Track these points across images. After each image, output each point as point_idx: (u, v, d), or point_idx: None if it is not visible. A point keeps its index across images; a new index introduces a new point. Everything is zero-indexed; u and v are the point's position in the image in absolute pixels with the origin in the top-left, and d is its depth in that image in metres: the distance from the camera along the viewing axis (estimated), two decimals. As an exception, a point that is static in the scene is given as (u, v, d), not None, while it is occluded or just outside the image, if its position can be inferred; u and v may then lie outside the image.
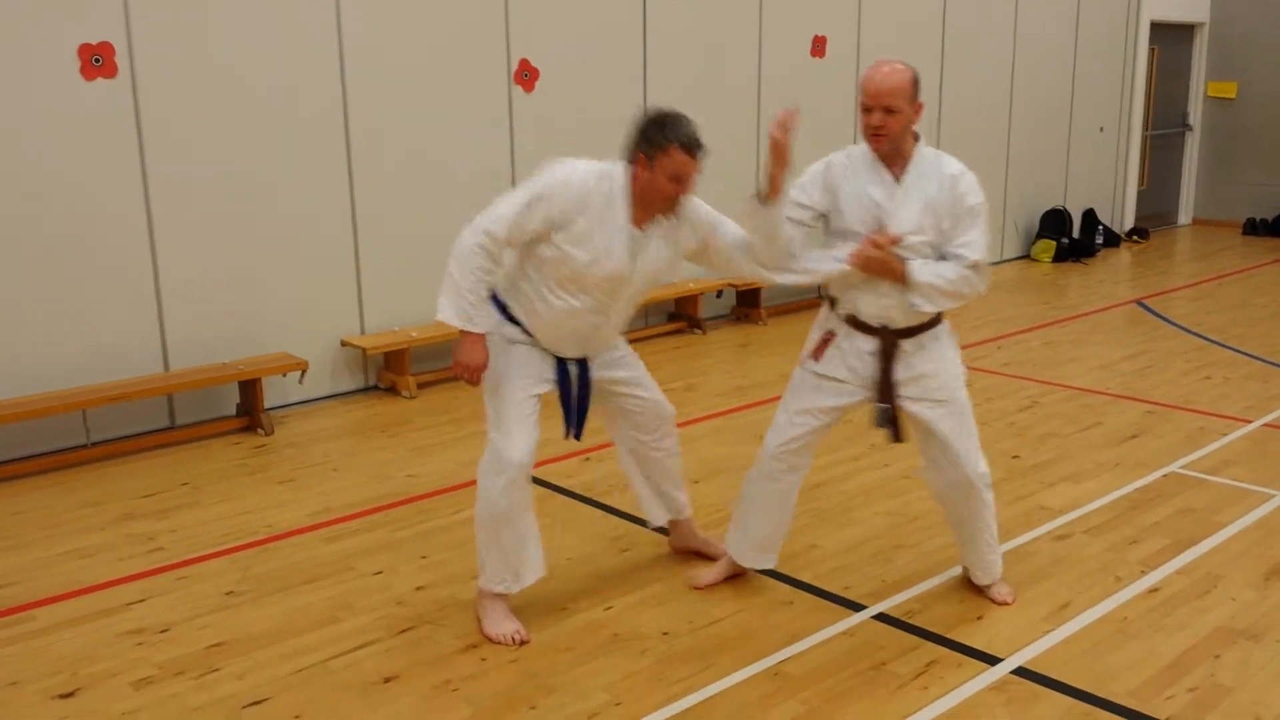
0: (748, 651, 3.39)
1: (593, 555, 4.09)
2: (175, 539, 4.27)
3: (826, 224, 3.46)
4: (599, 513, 4.48)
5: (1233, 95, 12.02)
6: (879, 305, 3.39)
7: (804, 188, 3.43)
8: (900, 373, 3.43)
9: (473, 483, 4.75)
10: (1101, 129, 11.23)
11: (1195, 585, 3.83)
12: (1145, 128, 11.80)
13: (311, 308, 5.98)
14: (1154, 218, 12.18)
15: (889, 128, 3.27)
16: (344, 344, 6.11)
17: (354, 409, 5.95)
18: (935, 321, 3.46)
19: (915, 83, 3.29)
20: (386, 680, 3.25)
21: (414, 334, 6.17)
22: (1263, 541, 4.17)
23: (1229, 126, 12.12)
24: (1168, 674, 3.26)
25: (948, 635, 3.48)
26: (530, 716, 3.06)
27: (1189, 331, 7.57)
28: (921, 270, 3.30)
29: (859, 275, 3.35)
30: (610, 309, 3.40)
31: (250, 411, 5.57)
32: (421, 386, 6.25)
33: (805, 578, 3.88)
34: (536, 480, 4.81)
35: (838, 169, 3.40)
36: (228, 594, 3.80)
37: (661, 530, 4.19)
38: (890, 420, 3.49)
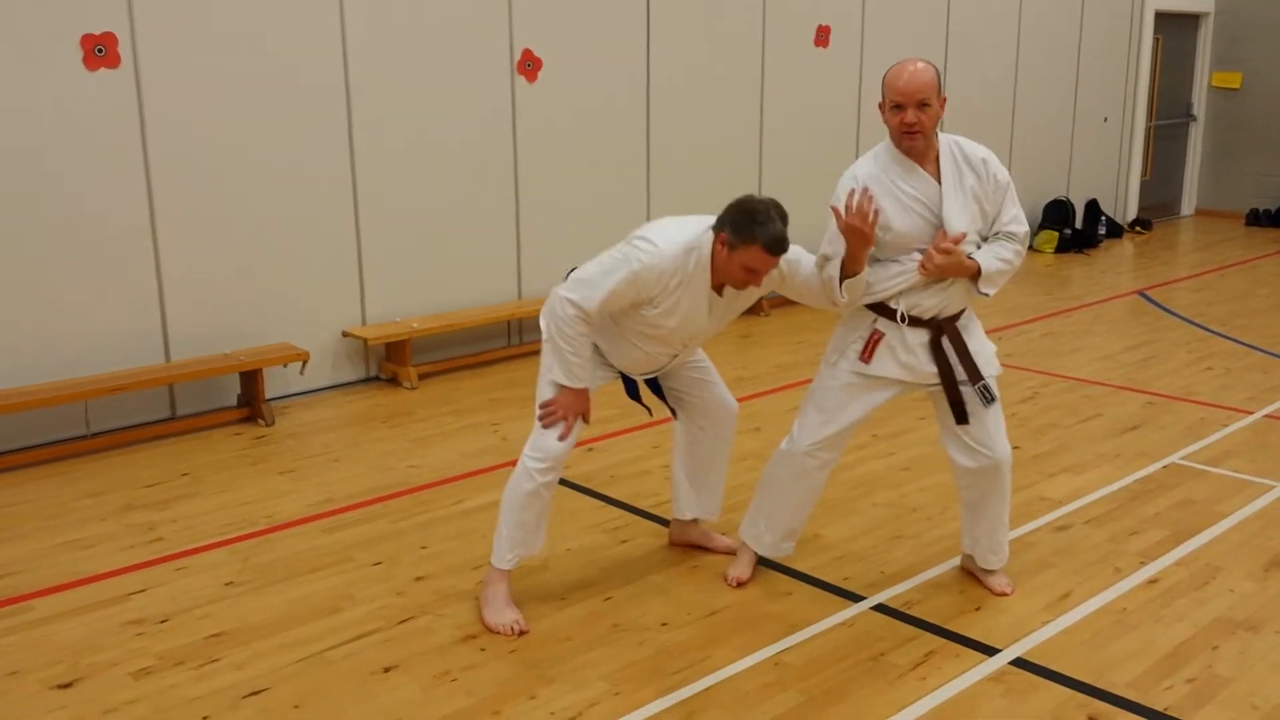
0: (747, 641, 3.40)
1: (592, 546, 4.09)
2: (176, 529, 4.28)
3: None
4: (598, 503, 4.48)
5: (1237, 85, 11.98)
6: (939, 299, 3.41)
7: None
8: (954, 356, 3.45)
9: (474, 473, 4.81)
10: (1105, 119, 11.21)
11: (1195, 576, 3.83)
12: (1149, 118, 11.77)
13: (313, 298, 5.98)
14: (1157, 208, 12.16)
15: (924, 124, 3.29)
16: (345, 335, 6.11)
17: (355, 400, 5.95)
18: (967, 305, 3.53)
19: (939, 76, 3.33)
20: (386, 670, 3.26)
21: (415, 325, 6.18)
22: (1262, 533, 4.17)
23: (1233, 117, 12.09)
24: (1166, 665, 3.27)
25: (946, 626, 3.49)
26: (529, 706, 3.07)
27: (1191, 322, 7.56)
28: (989, 260, 3.38)
29: (920, 279, 3.36)
30: (685, 351, 3.58)
31: (251, 402, 5.58)
32: (423, 377, 6.26)
33: (804, 568, 3.88)
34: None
35: (872, 182, 3.35)
36: (228, 584, 3.81)
37: (662, 520, 4.19)
38: (990, 395, 3.47)
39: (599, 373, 3.58)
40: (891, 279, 3.38)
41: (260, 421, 5.51)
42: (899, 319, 3.42)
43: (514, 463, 4.87)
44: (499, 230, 6.70)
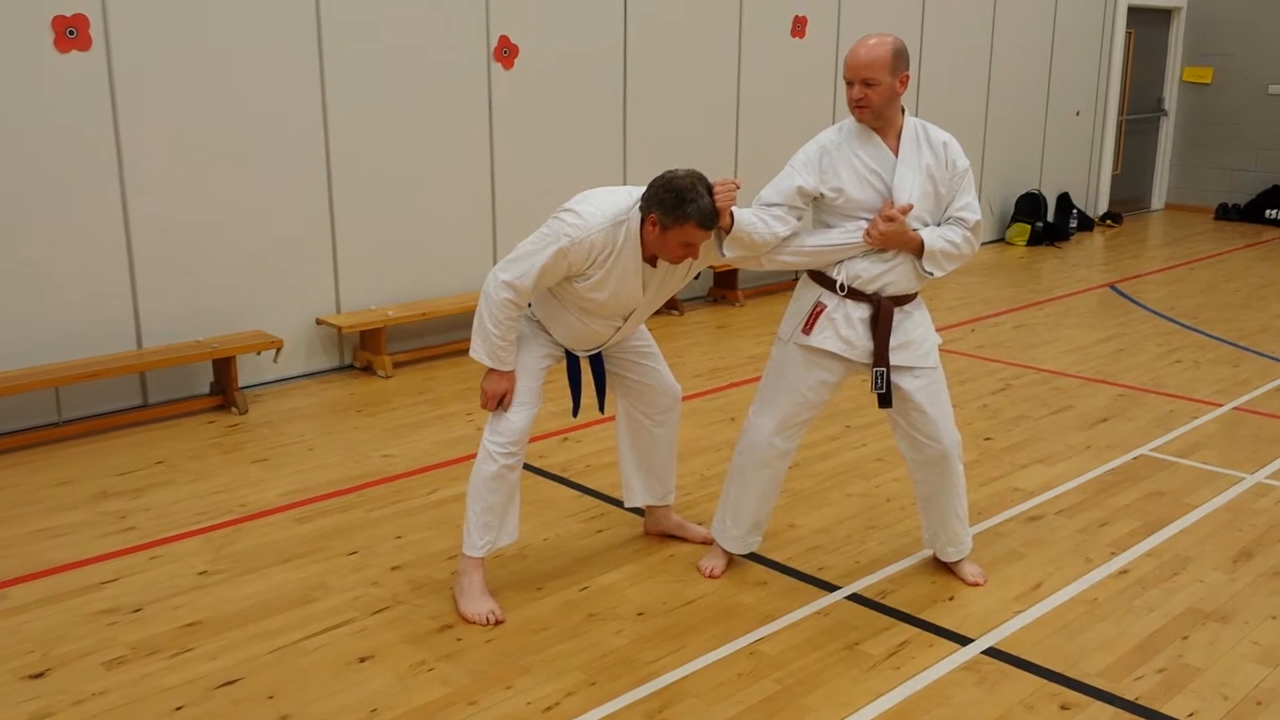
0: (722, 631, 3.41)
1: (568, 535, 4.10)
2: (148, 518, 4.25)
3: (820, 203, 3.47)
4: (574, 493, 4.48)
5: (1208, 80, 12.08)
6: (878, 271, 3.42)
7: (796, 169, 3.43)
8: (891, 339, 3.45)
9: (449, 462, 4.80)
10: (1078, 113, 11.27)
11: (1165, 567, 3.87)
12: (1121, 112, 11.85)
13: (287, 286, 5.94)
14: (1128, 202, 12.26)
15: (870, 100, 3.32)
16: (319, 322, 6.07)
17: (329, 388, 5.93)
18: (916, 291, 3.52)
19: (898, 54, 3.32)
20: (362, 660, 3.25)
21: (390, 313, 6.15)
22: (1231, 524, 4.22)
23: (1203, 111, 12.19)
24: (1137, 655, 3.30)
25: (920, 615, 3.51)
26: (506, 696, 3.07)
27: (1161, 315, 7.63)
28: (934, 238, 3.40)
29: (863, 247, 3.39)
30: (626, 324, 3.56)
31: (224, 390, 5.54)
32: (398, 366, 6.24)
33: (779, 558, 3.90)
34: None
35: (832, 149, 3.42)
36: (201, 573, 3.79)
37: (637, 511, 4.20)
38: (885, 383, 3.47)
39: (544, 351, 3.56)
40: (835, 242, 3.41)
41: (234, 409, 5.48)
42: (838, 289, 3.45)
43: (489, 452, 4.90)
44: (475, 219, 6.68)
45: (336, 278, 6.15)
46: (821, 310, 3.48)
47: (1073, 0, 10.80)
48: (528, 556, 3.92)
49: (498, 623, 3.44)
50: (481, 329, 3.36)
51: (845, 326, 3.46)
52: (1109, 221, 11.56)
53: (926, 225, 3.42)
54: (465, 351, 6.46)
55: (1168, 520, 4.25)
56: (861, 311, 3.45)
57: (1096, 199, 11.76)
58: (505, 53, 6.58)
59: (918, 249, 3.39)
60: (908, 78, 3.37)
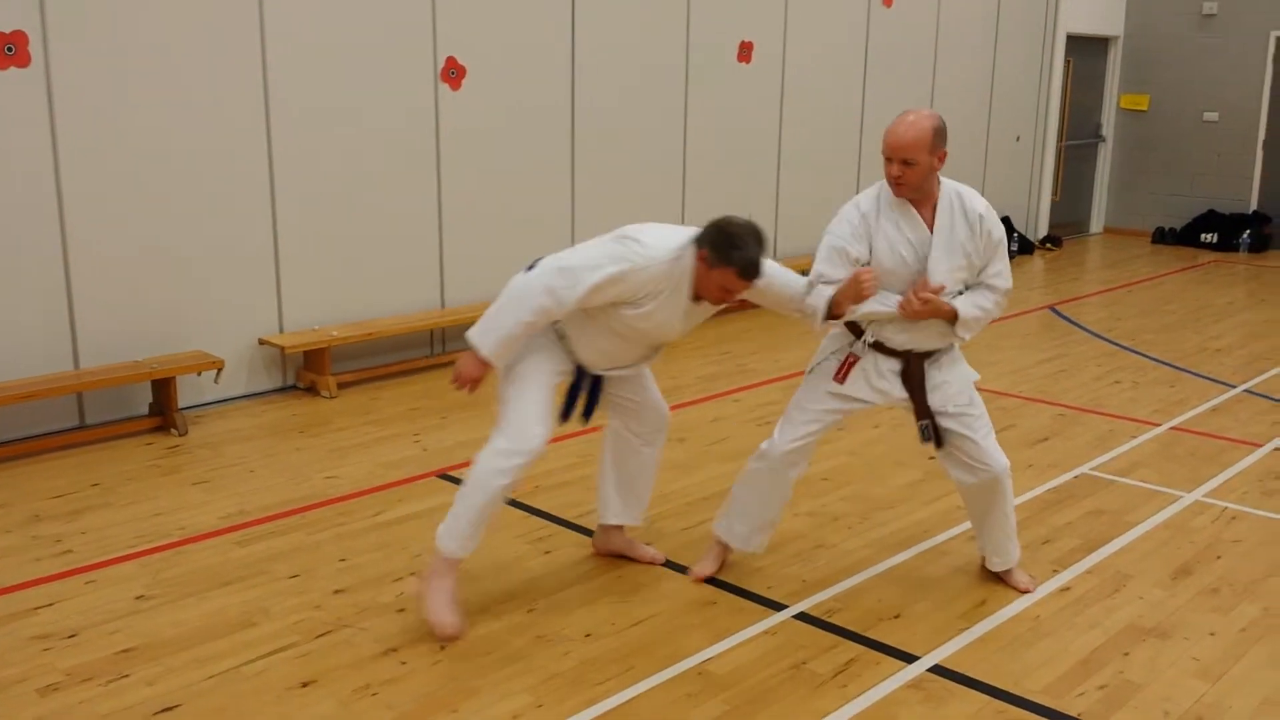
0: (671, 652, 3.40)
1: (515, 557, 4.07)
2: (85, 541, 4.16)
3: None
4: (521, 514, 4.45)
5: (1145, 107, 12.35)
6: (908, 336, 3.55)
7: (847, 240, 3.49)
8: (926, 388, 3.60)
9: (393, 484, 4.75)
10: (1018, 138, 11.47)
11: (1105, 584, 3.92)
12: (1060, 138, 12.07)
13: (228, 305, 5.86)
14: (1067, 226, 12.47)
15: (907, 178, 3.41)
16: (262, 342, 6.00)
17: (271, 409, 5.85)
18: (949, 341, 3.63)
19: (937, 133, 3.40)
20: (304, 685, 3.20)
21: (334, 333, 6.09)
22: (1170, 542, 4.29)
23: (1140, 138, 12.45)
24: (1079, 671, 3.34)
25: (866, 634, 3.53)
26: (451, 719, 3.03)
27: (1100, 337, 7.76)
28: (968, 308, 3.52)
29: (897, 315, 3.49)
30: (654, 351, 3.62)
31: (164, 411, 5.44)
32: (342, 386, 6.17)
33: (728, 578, 3.90)
34: (458, 481, 4.77)
35: (871, 217, 3.50)
36: (138, 598, 3.71)
37: (585, 531, 4.18)
38: (933, 432, 3.62)
39: (558, 366, 3.54)
40: (871, 310, 3.49)
41: (173, 431, 5.39)
42: (865, 345, 3.57)
43: (435, 473, 4.86)
44: (421, 239, 6.64)
45: (279, 297, 6.08)
46: (854, 362, 3.61)
47: (1013, 29, 11.00)
48: (474, 578, 3.88)
49: (453, 639, 3.40)
50: (498, 318, 3.30)
51: (877, 378, 3.61)
52: (1049, 245, 11.75)
53: (960, 293, 3.53)
54: (409, 372, 6.49)
55: (1108, 538, 4.30)
56: (892, 364, 3.60)
57: (1036, 223, 11.96)
58: (452, 74, 6.57)
59: (951, 318, 3.51)
60: (945, 154, 3.45)
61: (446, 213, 6.71)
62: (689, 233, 3.37)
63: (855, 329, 3.61)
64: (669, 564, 3.99)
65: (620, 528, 4.00)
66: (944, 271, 3.47)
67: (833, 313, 3.44)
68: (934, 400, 3.60)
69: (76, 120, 5.19)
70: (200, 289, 5.74)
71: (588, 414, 3.71)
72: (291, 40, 5.87)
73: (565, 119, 7.23)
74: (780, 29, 8.56)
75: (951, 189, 3.53)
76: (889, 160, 3.41)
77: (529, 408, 3.42)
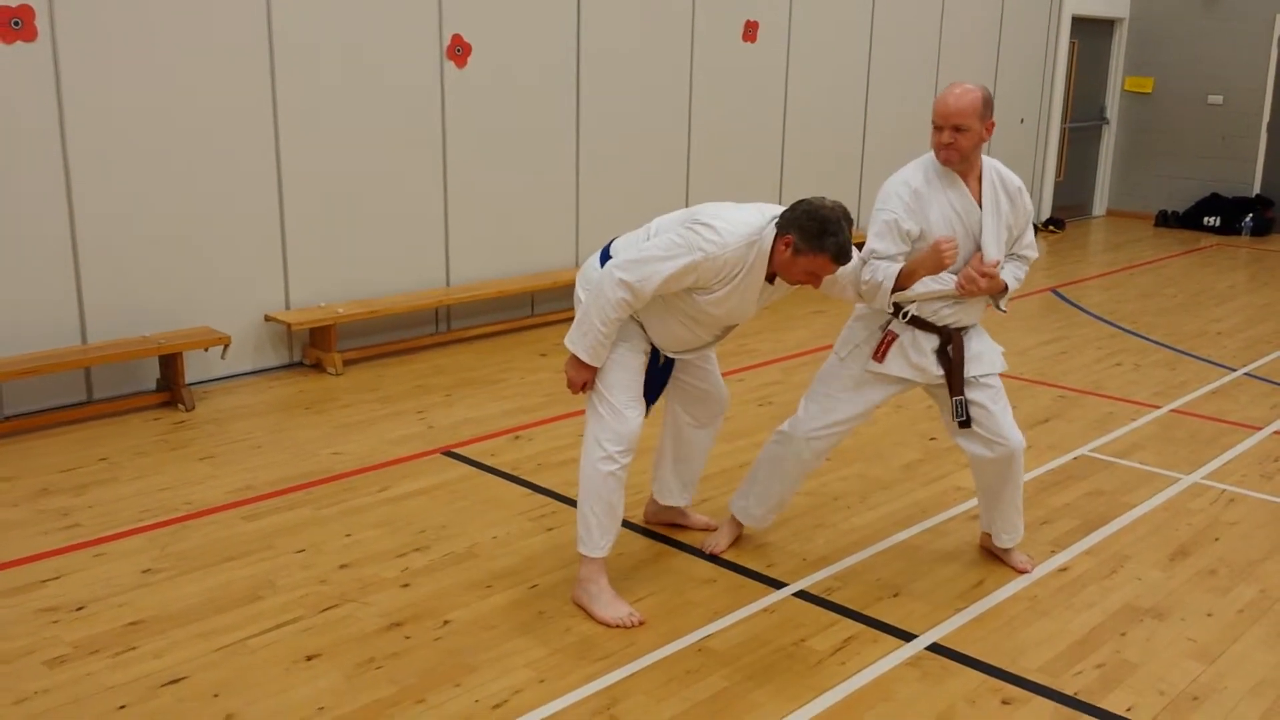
0: (671, 629, 3.43)
1: (518, 533, 4.10)
2: (92, 515, 4.19)
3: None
4: (524, 491, 4.49)
5: (1149, 90, 12.32)
6: (952, 311, 3.59)
7: (900, 215, 3.48)
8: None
9: (398, 460, 4.78)
10: (1022, 120, 11.45)
11: (1103, 565, 3.95)
12: (1064, 120, 12.05)
13: (235, 281, 5.89)
14: (1070, 208, 12.46)
15: (959, 145, 3.44)
16: (268, 319, 6.02)
17: (278, 385, 5.88)
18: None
19: (986, 103, 3.44)
20: (309, 659, 3.23)
21: (341, 310, 6.11)
22: (1168, 523, 4.32)
23: (1144, 120, 12.43)
24: (1076, 650, 3.37)
25: (865, 612, 3.56)
26: (454, 694, 3.07)
27: (1101, 319, 7.77)
28: (1011, 281, 3.60)
29: (952, 292, 3.53)
30: (725, 332, 3.63)
31: (171, 386, 5.48)
32: (348, 363, 6.20)
33: (727, 556, 3.93)
34: (462, 458, 4.82)
35: (923, 192, 3.51)
36: (145, 571, 3.75)
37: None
38: (965, 411, 3.63)
39: (641, 347, 3.54)
40: (932, 289, 3.53)
41: (180, 406, 5.42)
42: (902, 315, 3.58)
43: (440, 450, 4.90)
44: (427, 217, 6.65)
45: (286, 274, 6.10)
46: (893, 339, 3.62)
47: (1018, 10, 10.97)
48: (477, 555, 3.92)
49: (640, 623, 3.44)
50: (587, 323, 3.34)
51: (915, 354, 3.62)
52: (1052, 227, 11.75)
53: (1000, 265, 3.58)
54: (415, 349, 6.51)
55: (1107, 519, 4.34)
56: (932, 341, 3.61)
57: (1040, 205, 11.95)
58: (458, 51, 6.57)
59: (1003, 292, 3.59)
60: (993, 125, 3.49)
61: (452, 190, 6.72)
62: (765, 215, 3.33)
63: (894, 309, 3.61)
64: (670, 541, 4.03)
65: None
66: (995, 245, 3.53)
67: (900, 284, 3.44)
68: (971, 370, 3.62)
69: (83, 95, 5.20)
70: (207, 265, 5.76)
71: (653, 398, 3.73)
72: (298, 17, 5.87)
73: (570, 95, 7.23)
74: (786, 8, 8.55)
75: (991, 164, 3.59)
76: (939, 128, 3.44)
77: (619, 393, 3.44)
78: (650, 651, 3.30)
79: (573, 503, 4.35)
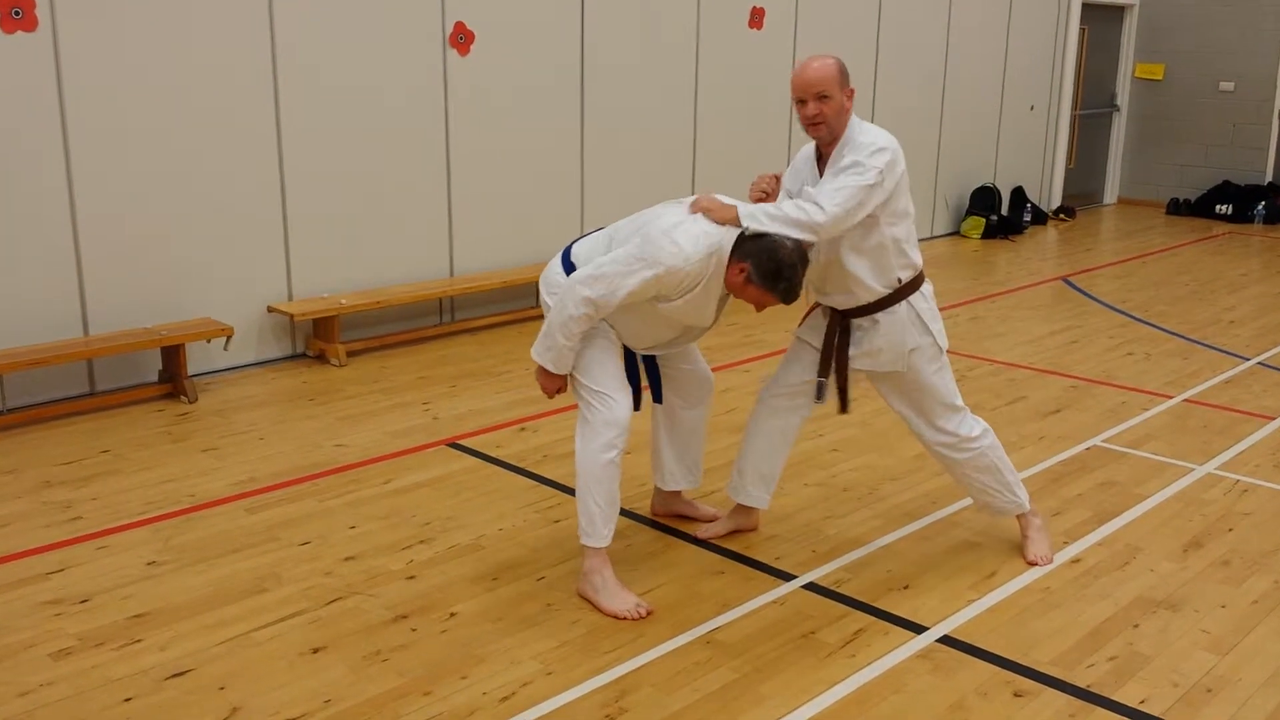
0: (679, 621, 3.40)
1: (524, 525, 4.07)
2: (95, 508, 4.17)
3: None
4: (530, 483, 4.45)
5: (1160, 77, 12.23)
6: (819, 282, 3.62)
7: (787, 182, 3.64)
8: (852, 348, 3.63)
9: (402, 452, 4.75)
10: (1032, 107, 11.37)
11: (1116, 556, 3.91)
12: (1074, 107, 11.97)
13: (237, 273, 5.86)
14: (1081, 196, 12.39)
15: (825, 114, 3.38)
16: (271, 310, 5.99)
17: (281, 377, 5.85)
18: (889, 301, 3.55)
19: (843, 70, 3.42)
20: (315, 651, 3.21)
21: (343, 301, 6.08)
22: (1181, 514, 4.28)
23: (1155, 107, 12.34)
24: (1088, 642, 3.33)
25: (875, 604, 3.53)
26: (461, 686, 3.04)
27: (1112, 308, 7.72)
28: (767, 214, 3.29)
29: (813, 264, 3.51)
30: (692, 333, 3.65)
31: (173, 378, 5.45)
32: (351, 354, 6.17)
33: (736, 548, 3.90)
34: (467, 450, 4.79)
35: (799, 167, 3.59)
36: (149, 564, 3.72)
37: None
38: (838, 391, 3.67)
39: (611, 337, 3.56)
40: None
41: (183, 398, 5.39)
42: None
43: (444, 442, 4.87)
44: (430, 207, 6.62)
45: (288, 265, 6.07)
46: (814, 308, 3.73)
47: (1028, -4, 10.90)
48: (483, 547, 3.89)
49: (647, 614, 3.41)
50: (550, 336, 3.38)
51: (819, 331, 3.70)
52: (1062, 215, 11.68)
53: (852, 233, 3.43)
54: (419, 340, 6.49)
55: (1119, 510, 4.29)
56: (828, 317, 3.67)
57: (1050, 193, 11.88)
58: (461, 39, 6.52)
59: (735, 220, 3.29)
60: (853, 91, 3.44)
61: (455, 180, 6.68)
62: (722, 233, 3.30)
63: None
64: (678, 534, 4.00)
65: (678, 491, 4.06)
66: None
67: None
68: (862, 363, 3.62)
69: (84, 85, 5.16)
70: (209, 256, 5.73)
71: (657, 395, 3.78)
72: (300, 5, 5.82)
73: (575, 84, 7.18)
74: (793, -4, 8.49)
75: (856, 124, 3.44)
76: (803, 101, 3.37)
77: (603, 382, 3.45)
78: (659, 644, 3.26)
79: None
